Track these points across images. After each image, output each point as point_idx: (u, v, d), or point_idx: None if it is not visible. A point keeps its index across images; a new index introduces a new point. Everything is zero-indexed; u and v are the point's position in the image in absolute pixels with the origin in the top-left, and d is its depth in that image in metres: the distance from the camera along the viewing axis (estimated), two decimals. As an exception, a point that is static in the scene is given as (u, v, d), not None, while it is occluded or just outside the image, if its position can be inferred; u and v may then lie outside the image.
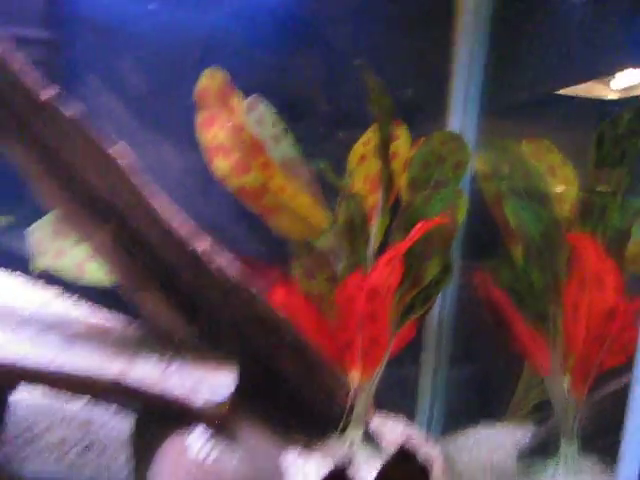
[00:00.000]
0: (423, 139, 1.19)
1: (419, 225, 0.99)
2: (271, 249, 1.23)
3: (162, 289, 0.95)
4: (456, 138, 1.16)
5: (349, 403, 1.03)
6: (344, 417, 1.03)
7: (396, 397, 1.27)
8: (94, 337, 0.91)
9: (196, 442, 0.79)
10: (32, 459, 0.99)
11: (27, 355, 0.77)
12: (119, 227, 0.90)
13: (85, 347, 0.85)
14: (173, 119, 1.20)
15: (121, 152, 0.86)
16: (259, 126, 1.15)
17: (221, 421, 0.81)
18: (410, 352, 1.23)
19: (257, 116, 1.16)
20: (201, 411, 0.80)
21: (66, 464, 0.99)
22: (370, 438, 1.08)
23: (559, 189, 1.15)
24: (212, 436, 0.80)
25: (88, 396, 0.86)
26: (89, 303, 1.05)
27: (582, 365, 1.03)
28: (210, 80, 1.09)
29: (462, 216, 1.09)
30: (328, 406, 1.04)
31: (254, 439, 0.89)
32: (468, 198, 1.13)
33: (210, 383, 0.85)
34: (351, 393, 1.04)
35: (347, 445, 1.02)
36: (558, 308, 1.05)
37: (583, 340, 1.02)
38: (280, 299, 1.09)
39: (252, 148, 1.08)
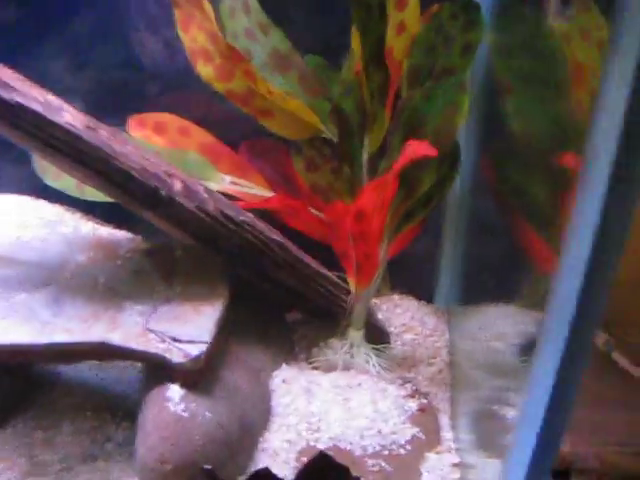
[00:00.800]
0: (436, 7, 1.06)
1: (405, 152, 0.94)
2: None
3: (155, 213, 0.99)
4: (470, 9, 1.03)
5: (348, 307, 1.09)
6: (344, 320, 1.10)
7: (416, 275, 1.30)
8: (89, 277, 0.99)
9: (175, 395, 0.89)
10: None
11: (15, 335, 0.88)
12: (94, 168, 0.92)
13: (75, 302, 0.94)
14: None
15: (72, 118, 0.86)
16: (245, 14, 1.07)
17: (199, 373, 0.91)
18: (431, 230, 1.24)
19: (242, 1, 1.07)
20: (178, 366, 0.89)
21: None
22: (377, 326, 1.15)
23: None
24: (191, 388, 0.90)
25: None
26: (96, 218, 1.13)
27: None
28: (177, -24, 1.01)
29: (463, 118, 1.01)
30: (327, 310, 1.11)
31: (238, 372, 0.99)
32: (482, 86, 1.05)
33: (189, 332, 0.92)
34: (350, 298, 1.09)
35: (347, 345, 1.10)
36: (563, 222, 1.00)
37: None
38: (279, 202, 1.11)
39: (231, 57, 1.02)
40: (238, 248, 1.00)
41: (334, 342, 1.11)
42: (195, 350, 0.90)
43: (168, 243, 1.09)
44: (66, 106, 0.88)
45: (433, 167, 1.01)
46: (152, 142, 1.15)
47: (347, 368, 1.09)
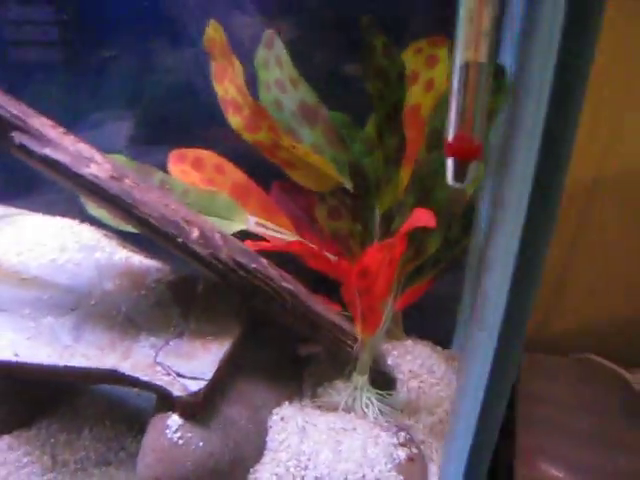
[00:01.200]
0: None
1: (410, 219, 1.02)
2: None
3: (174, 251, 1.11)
4: (496, 74, 1.08)
5: (355, 352, 1.19)
6: (350, 365, 1.20)
7: (434, 320, 1.38)
8: (112, 306, 1.13)
9: (173, 425, 1.02)
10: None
11: (37, 355, 1.03)
12: (118, 212, 1.05)
13: (95, 329, 1.09)
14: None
15: (98, 168, 1.00)
16: (278, 66, 1.17)
17: (197, 406, 1.03)
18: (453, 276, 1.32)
19: (276, 54, 1.17)
20: (178, 399, 1.02)
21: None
22: (384, 372, 1.25)
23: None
24: (188, 419, 1.03)
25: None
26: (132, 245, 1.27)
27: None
28: (214, 32, 1.12)
29: (474, 186, 1.08)
30: (335, 352, 1.21)
31: (238, 408, 1.11)
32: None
33: (193, 368, 1.05)
34: (356, 345, 1.19)
35: (351, 388, 1.20)
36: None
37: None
38: (299, 247, 1.21)
39: (256, 112, 1.13)
40: (249, 293, 1.12)
41: (339, 384, 1.22)
42: (195, 386, 1.03)
43: (192, 276, 1.22)
44: (96, 155, 1.02)
45: (439, 232, 1.09)
46: (190, 177, 1.28)
47: (348, 411, 1.19)
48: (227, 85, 1.16)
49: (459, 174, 0.64)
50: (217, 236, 1.10)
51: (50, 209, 1.30)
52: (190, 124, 1.34)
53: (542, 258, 0.62)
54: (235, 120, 1.17)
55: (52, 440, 1.15)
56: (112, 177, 1.01)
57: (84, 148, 1.02)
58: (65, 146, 0.99)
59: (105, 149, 1.21)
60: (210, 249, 1.07)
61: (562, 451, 1.20)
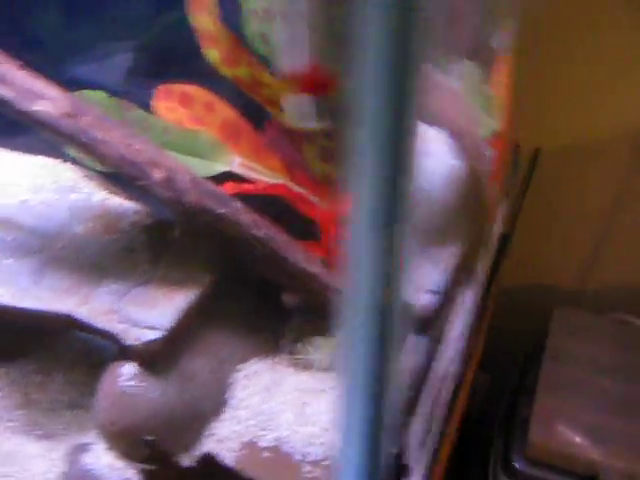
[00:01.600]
0: None
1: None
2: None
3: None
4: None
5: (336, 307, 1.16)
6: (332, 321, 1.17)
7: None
8: (79, 250, 1.13)
9: (126, 372, 1.03)
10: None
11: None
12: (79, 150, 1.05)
13: (57, 273, 1.09)
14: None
15: (50, 105, 0.99)
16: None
17: (152, 357, 1.03)
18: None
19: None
20: (130, 349, 1.02)
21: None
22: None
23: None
24: (143, 368, 1.03)
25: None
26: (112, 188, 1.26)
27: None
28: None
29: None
30: (316, 307, 1.18)
31: (200, 361, 1.10)
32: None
33: (151, 318, 1.04)
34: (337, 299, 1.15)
35: (331, 347, 1.17)
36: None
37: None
38: (283, 190, 1.18)
39: (234, 45, 1.09)
40: (216, 239, 1.10)
41: (319, 341, 1.19)
42: (151, 335, 1.02)
43: (169, 221, 1.21)
44: (52, 92, 1.00)
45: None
46: (176, 114, 1.25)
47: (323, 370, 1.16)
48: (204, 17, 1.12)
49: (314, 112, 0.59)
50: (186, 178, 1.07)
51: (33, 148, 1.31)
52: (184, 59, 1.31)
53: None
54: (213, 54, 1.13)
55: (25, 380, 1.18)
56: (66, 114, 1.00)
57: (37, 84, 1.00)
58: (12, 82, 0.98)
59: (91, 85, 1.20)
60: (173, 192, 1.05)
61: (582, 414, 1.16)
